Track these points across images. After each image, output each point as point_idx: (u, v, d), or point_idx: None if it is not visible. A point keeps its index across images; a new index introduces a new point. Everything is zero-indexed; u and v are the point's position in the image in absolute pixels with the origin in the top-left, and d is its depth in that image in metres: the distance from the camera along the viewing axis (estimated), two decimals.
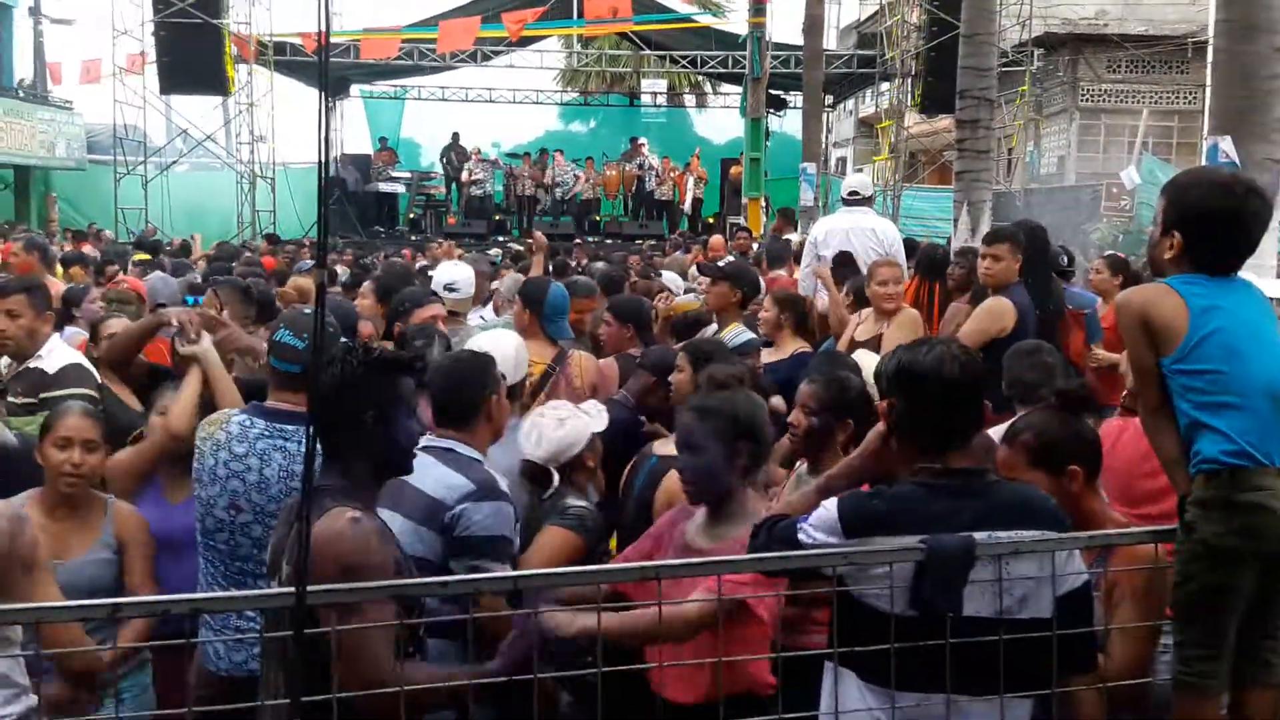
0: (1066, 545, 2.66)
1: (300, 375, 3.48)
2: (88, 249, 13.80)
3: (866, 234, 8.13)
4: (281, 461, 3.40)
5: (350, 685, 2.36)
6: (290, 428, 3.44)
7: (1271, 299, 4.44)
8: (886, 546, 2.53)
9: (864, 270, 7.49)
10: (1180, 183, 3.06)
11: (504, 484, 3.41)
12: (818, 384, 3.70)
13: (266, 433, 3.44)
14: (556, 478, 3.79)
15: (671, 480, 3.58)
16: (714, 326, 6.50)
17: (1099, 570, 2.99)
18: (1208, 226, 2.91)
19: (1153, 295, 2.91)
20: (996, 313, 5.99)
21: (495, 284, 7.43)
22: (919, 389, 2.65)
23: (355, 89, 30.39)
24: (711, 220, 25.46)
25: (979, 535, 2.53)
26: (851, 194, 8.65)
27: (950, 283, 7.81)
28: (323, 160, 1.94)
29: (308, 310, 3.78)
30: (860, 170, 30.60)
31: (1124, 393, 4.60)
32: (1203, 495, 2.78)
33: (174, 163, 24.74)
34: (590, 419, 3.98)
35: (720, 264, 7.66)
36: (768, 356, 6.12)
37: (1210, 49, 8.03)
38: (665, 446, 4.02)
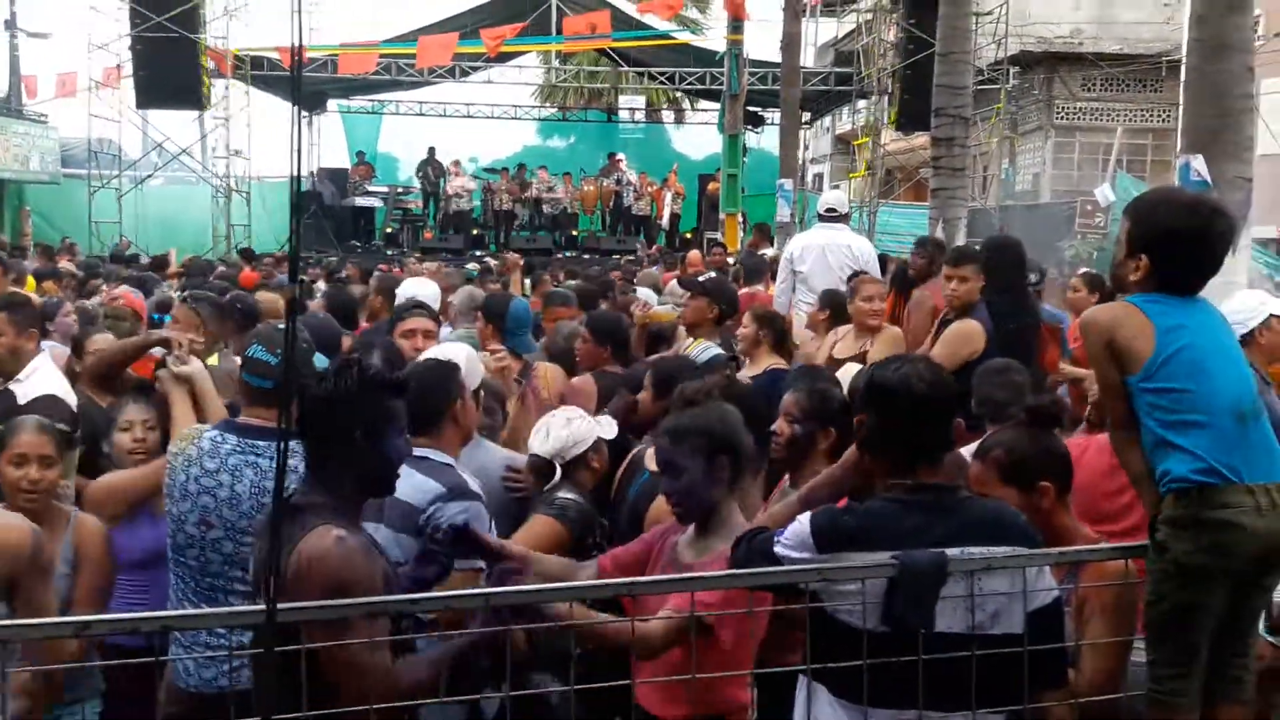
0: (1037, 561, 2.68)
1: (273, 391, 3.46)
2: (63, 264, 13.71)
3: (842, 250, 8.19)
4: (253, 477, 3.37)
5: (347, 699, 2.40)
6: (262, 444, 3.41)
7: (1273, 315, 4.53)
8: (858, 562, 2.55)
9: (822, 286, 7.61)
10: (1145, 203, 3.08)
11: (475, 485, 3.46)
12: (801, 393, 3.71)
13: (238, 448, 3.41)
14: (559, 473, 3.96)
15: (664, 501, 3.58)
16: (688, 340, 6.50)
17: (1070, 586, 3.01)
18: (1175, 247, 2.92)
19: (1119, 314, 2.93)
20: (966, 335, 6.00)
21: (450, 298, 7.34)
22: (889, 404, 2.68)
23: (333, 103, 30.34)
24: (689, 235, 25.51)
25: (950, 551, 2.54)
26: (828, 210, 8.70)
27: (911, 271, 7.90)
28: (296, 175, 1.94)
29: (282, 325, 3.76)
30: (837, 187, 30.75)
31: (1088, 408, 4.65)
32: (1173, 514, 2.80)
33: (149, 176, 24.63)
34: (599, 425, 4.17)
35: (700, 279, 7.68)
36: (741, 374, 6.12)
37: (1183, 68, 8.11)
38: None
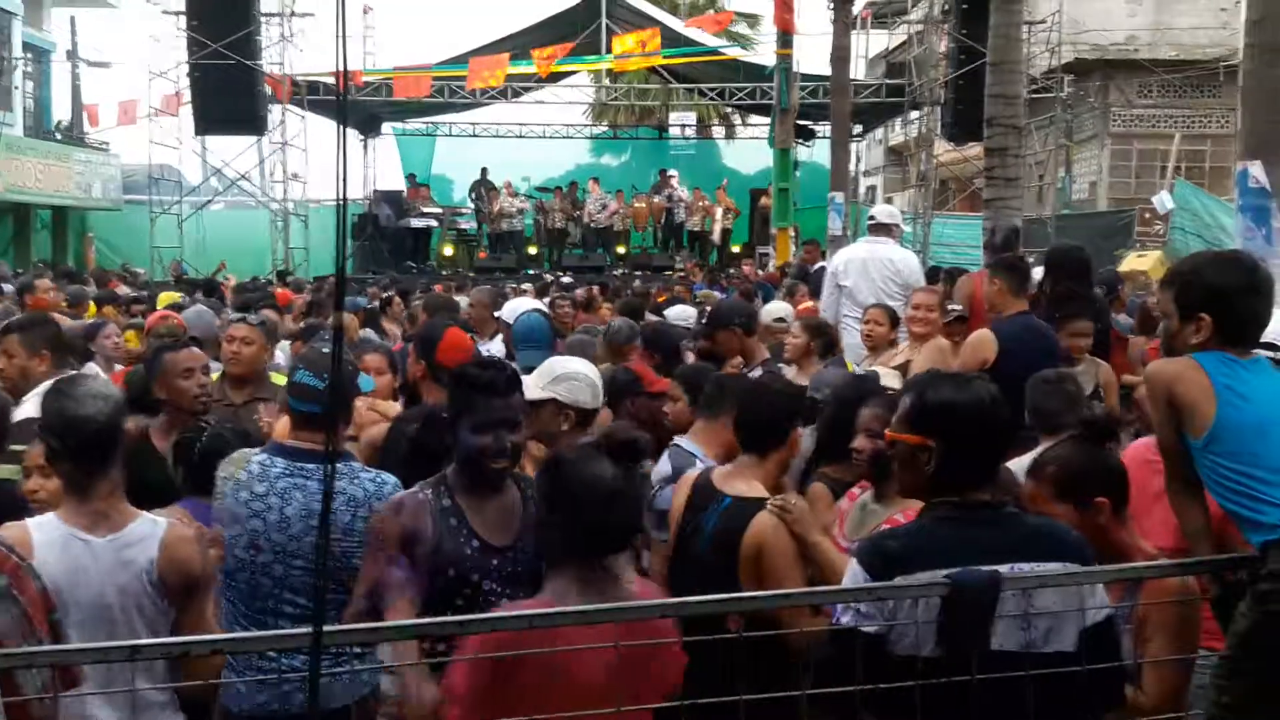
0: (1094, 579, 2.62)
1: (320, 416, 3.48)
2: (122, 289, 13.95)
3: (883, 264, 8.09)
4: (302, 499, 3.39)
5: None
6: (311, 466, 3.43)
7: None
8: (910, 583, 2.50)
9: (867, 300, 7.59)
10: (1186, 271, 3.15)
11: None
12: (882, 406, 3.60)
13: (286, 471, 3.43)
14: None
15: (762, 524, 3.53)
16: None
17: (1130, 604, 2.95)
18: (1231, 303, 2.99)
19: (1181, 371, 2.98)
20: (975, 345, 5.91)
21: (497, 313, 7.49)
22: (942, 424, 2.62)
23: (388, 126, 30.65)
24: (737, 250, 25.45)
25: (1002, 568, 2.49)
26: (871, 223, 8.66)
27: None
28: (342, 199, 1.94)
29: (327, 350, 3.74)
30: (890, 200, 30.59)
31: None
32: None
33: (208, 202, 25.02)
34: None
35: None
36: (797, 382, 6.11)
37: (1240, 72, 7.97)
38: (732, 484, 3.78)
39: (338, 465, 3.41)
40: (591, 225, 26.02)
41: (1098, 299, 7.28)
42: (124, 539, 2.97)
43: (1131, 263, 16.82)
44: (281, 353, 7.01)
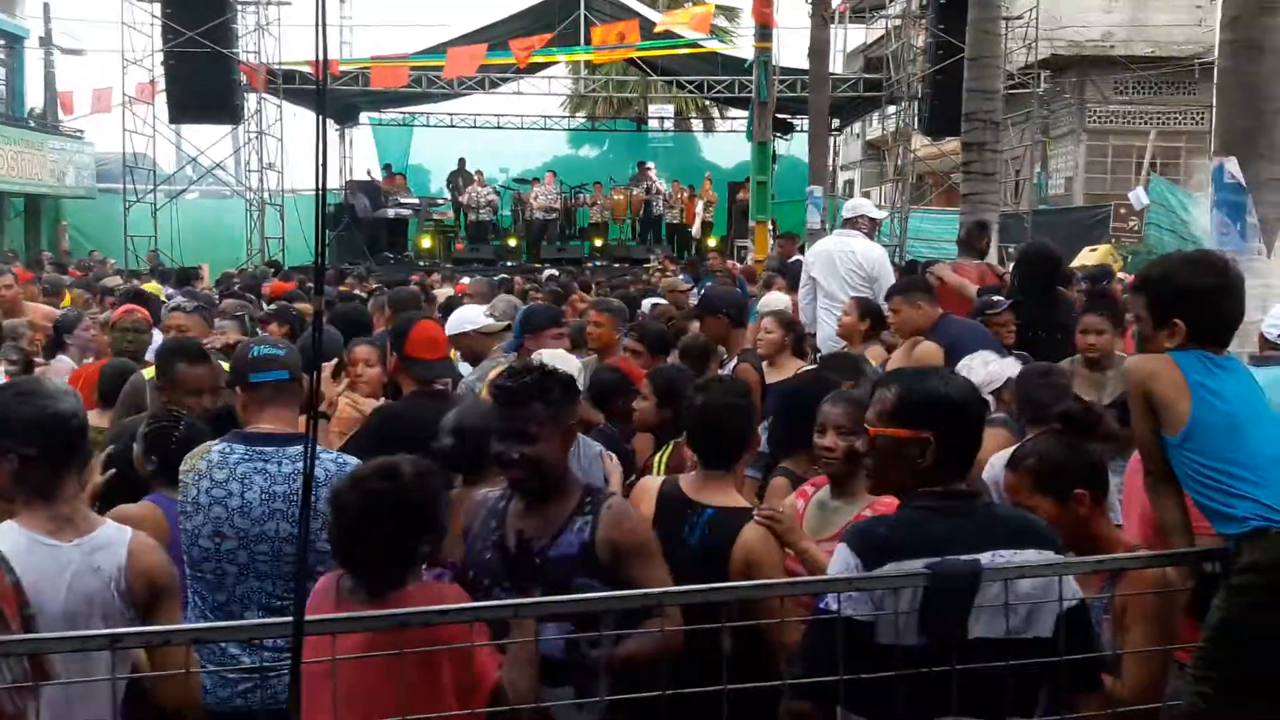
0: (1074, 569, 2.64)
1: (288, 380, 3.53)
2: (114, 281, 13.81)
3: (847, 257, 8.18)
4: (262, 484, 3.38)
5: None
6: (269, 449, 3.43)
7: None
8: (890, 572, 2.52)
9: (836, 291, 7.90)
10: (1156, 275, 3.17)
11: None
12: (850, 403, 3.58)
13: (246, 457, 3.42)
14: None
15: (750, 537, 3.48)
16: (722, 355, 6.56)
17: (1109, 594, 2.97)
18: (1203, 305, 3.03)
19: (1157, 369, 3.02)
20: (926, 356, 5.93)
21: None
22: (954, 418, 2.65)
23: (364, 116, 30.52)
24: (713, 243, 25.46)
25: (983, 557, 2.51)
26: (842, 217, 8.81)
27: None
28: (321, 186, 1.93)
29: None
30: (867, 194, 30.67)
31: None
32: (1256, 559, 2.82)
33: (183, 191, 24.83)
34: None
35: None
36: (771, 377, 6.13)
37: (1216, 70, 8.02)
38: (708, 494, 3.72)
39: (299, 447, 3.41)
40: (534, 219, 25.83)
41: (1065, 296, 7.32)
42: (91, 543, 2.87)
43: (1083, 256, 16.97)
44: None
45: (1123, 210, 20.13)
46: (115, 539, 2.90)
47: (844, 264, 8.13)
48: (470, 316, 6.31)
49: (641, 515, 3.36)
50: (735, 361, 6.48)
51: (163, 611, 2.90)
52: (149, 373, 5.00)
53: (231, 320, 6.76)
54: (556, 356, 4.55)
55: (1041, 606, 2.56)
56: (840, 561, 2.61)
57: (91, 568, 2.83)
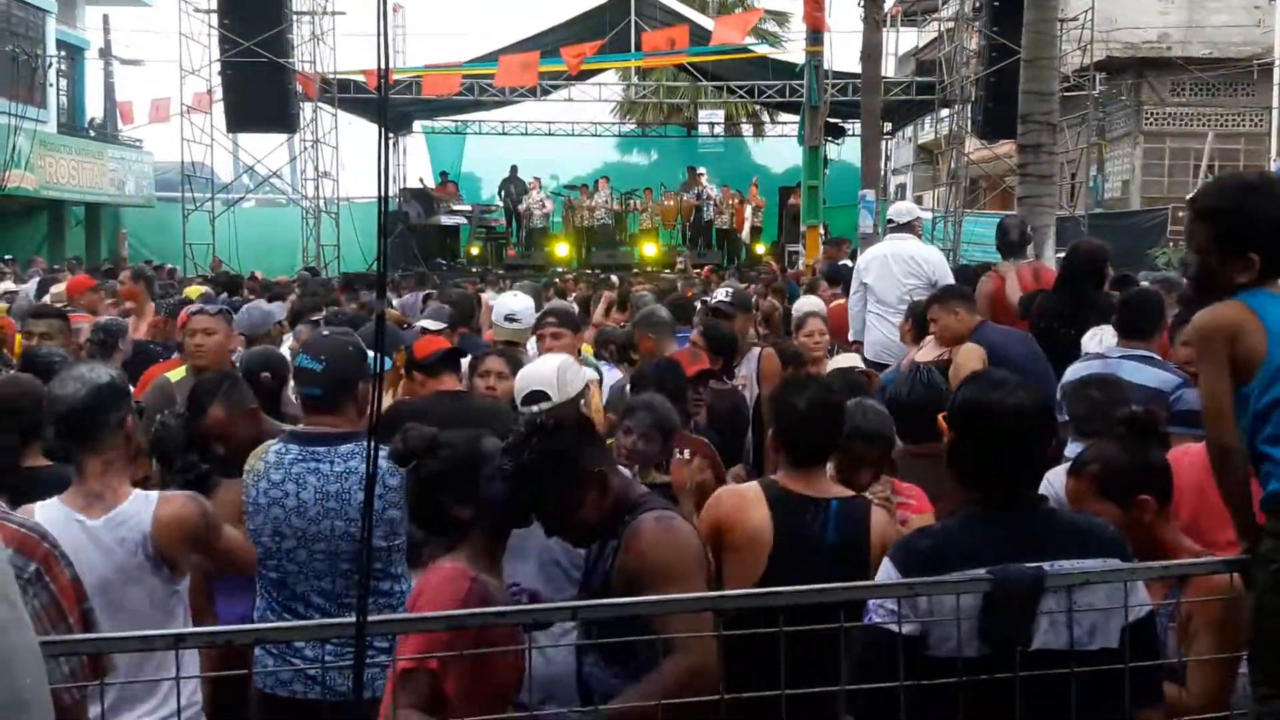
0: (1139, 575, 2.59)
1: (320, 398, 3.57)
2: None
3: (905, 261, 8.08)
4: (316, 483, 3.45)
5: None
6: (322, 449, 3.50)
7: None
8: (950, 580, 2.48)
9: (889, 297, 7.88)
10: (1228, 205, 2.85)
11: None
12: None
13: (300, 457, 3.50)
14: None
15: (881, 521, 3.52)
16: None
17: (1174, 601, 2.92)
18: (1277, 234, 2.77)
19: (1241, 320, 2.75)
20: (972, 359, 5.88)
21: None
22: (980, 424, 2.62)
23: (417, 124, 30.75)
24: (762, 249, 25.37)
25: (1045, 565, 2.47)
26: (889, 221, 8.67)
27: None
28: (383, 195, 1.95)
29: (326, 332, 4.02)
30: (919, 199, 30.43)
31: None
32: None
33: (240, 199, 25.15)
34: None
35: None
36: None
37: (1275, 70, 7.88)
38: (813, 485, 3.58)
39: (350, 445, 3.50)
40: (529, 225, 25.94)
41: (1096, 294, 7.14)
42: (117, 518, 3.10)
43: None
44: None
45: (1180, 213, 19.85)
46: (141, 509, 3.14)
47: (900, 268, 8.05)
48: (494, 318, 6.45)
49: (677, 532, 2.96)
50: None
51: (214, 544, 3.31)
52: None
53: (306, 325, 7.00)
54: (561, 363, 4.63)
55: (1109, 616, 2.51)
56: (884, 578, 2.59)
57: (118, 540, 3.09)
